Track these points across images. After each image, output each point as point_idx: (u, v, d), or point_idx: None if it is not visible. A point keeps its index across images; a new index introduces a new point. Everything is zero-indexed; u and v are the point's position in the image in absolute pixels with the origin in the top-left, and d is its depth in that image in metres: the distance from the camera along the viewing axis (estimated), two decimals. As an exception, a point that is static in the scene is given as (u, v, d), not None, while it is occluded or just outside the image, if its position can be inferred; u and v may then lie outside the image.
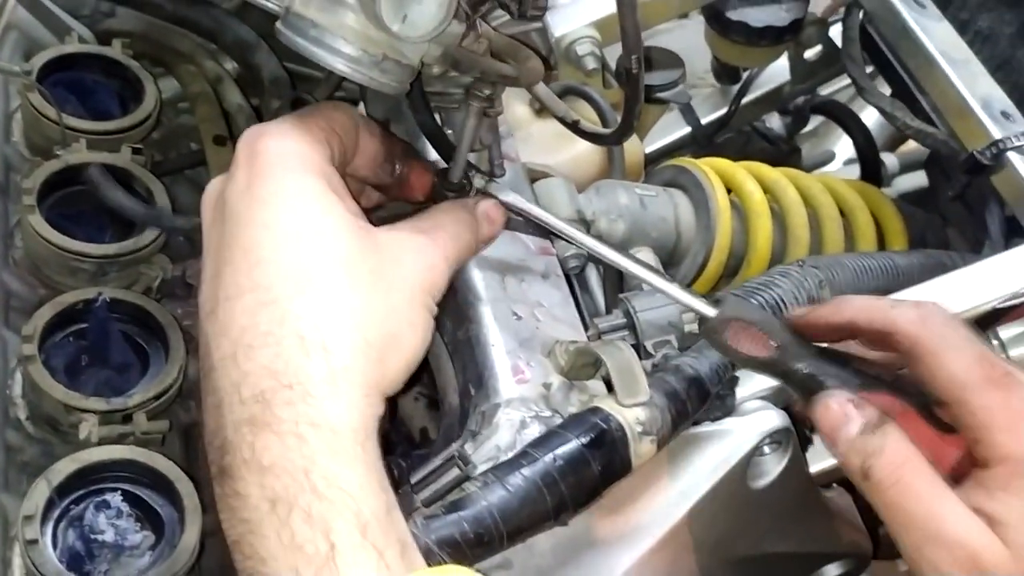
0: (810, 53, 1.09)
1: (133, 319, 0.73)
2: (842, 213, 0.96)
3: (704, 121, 1.17)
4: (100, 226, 0.80)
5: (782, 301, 0.73)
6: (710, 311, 0.63)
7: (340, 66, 0.55)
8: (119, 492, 0.63)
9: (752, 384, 0.74)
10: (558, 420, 0.65)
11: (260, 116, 0.94)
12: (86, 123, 0.81)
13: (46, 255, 0.74)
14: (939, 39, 0.86)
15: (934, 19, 0.88)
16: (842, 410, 0.56)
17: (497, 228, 0.66)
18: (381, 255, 0.55)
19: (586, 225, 0.85)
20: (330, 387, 0.50)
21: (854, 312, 0.57)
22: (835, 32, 1.06)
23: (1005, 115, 0.81)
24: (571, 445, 0.59)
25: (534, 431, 0.64)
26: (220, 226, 0.54)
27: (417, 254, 0.57)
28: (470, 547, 0.55)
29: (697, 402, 0.67)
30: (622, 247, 0.83)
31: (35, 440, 0.69)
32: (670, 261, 0.91)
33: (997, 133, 0.83)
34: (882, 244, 0.97)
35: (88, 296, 0.71)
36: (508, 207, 0.69)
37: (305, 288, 0.52)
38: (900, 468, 0.52)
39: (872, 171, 1.18)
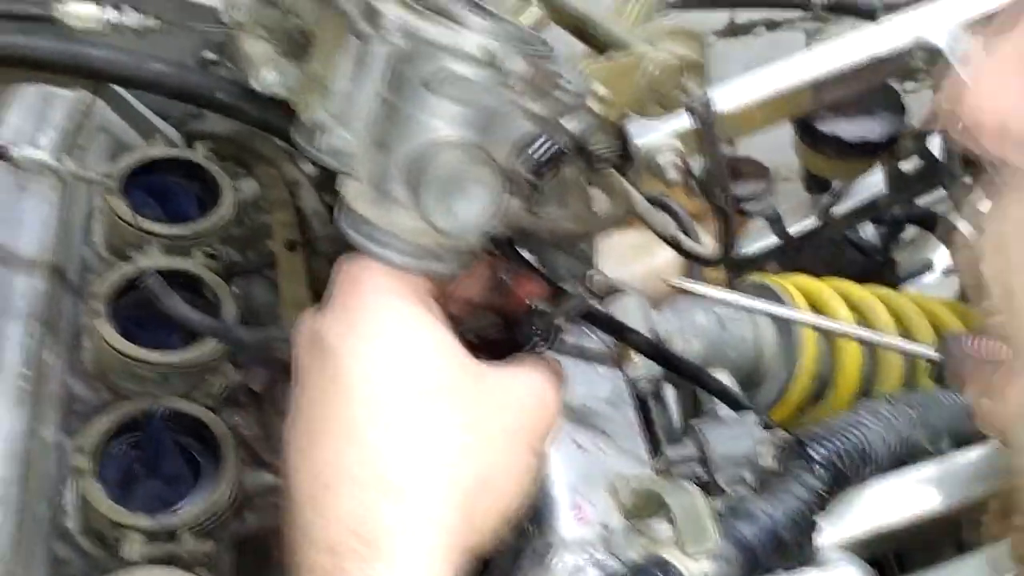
0: (908, 164, 1.04)
1: (190, 430, 0.72)
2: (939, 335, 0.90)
3: (792, 231, 1.12)
4: (169, 330, 0.80)
5: (869, 444, 0.67)
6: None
7: (395, 260, 0.53)
8: (157, 617, 0.61)
9: (834, 532, 0.69)
10: (616, 566, 0.60)
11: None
12: (161, 227, 0.82)
13: (111, 360, 0.74)
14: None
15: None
16: None
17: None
18: (485, 392, 0.51)
19: (660, 344, 0.81)
20: (407, 540, 0.46)
21: None
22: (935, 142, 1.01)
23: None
24: (629, 601, 0.55)
25: (590, 578, 0.59)
26: (316, 361, 0.52)
27: (529, 391, 0.53)
28: None
29: (772, 553, 0.62)
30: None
31: (84, 553, 0.68)
32: (749, 383, 0.86)
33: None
34: (984, 373, 0.90)
35: (145, 407, 0.71)
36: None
37: (397, 426, 0.49)
38: None
39: (974, 288, 1.11)
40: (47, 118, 0.86)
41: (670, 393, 0.89)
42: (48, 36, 0.84)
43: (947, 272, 1.32)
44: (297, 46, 0.71)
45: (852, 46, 0.92)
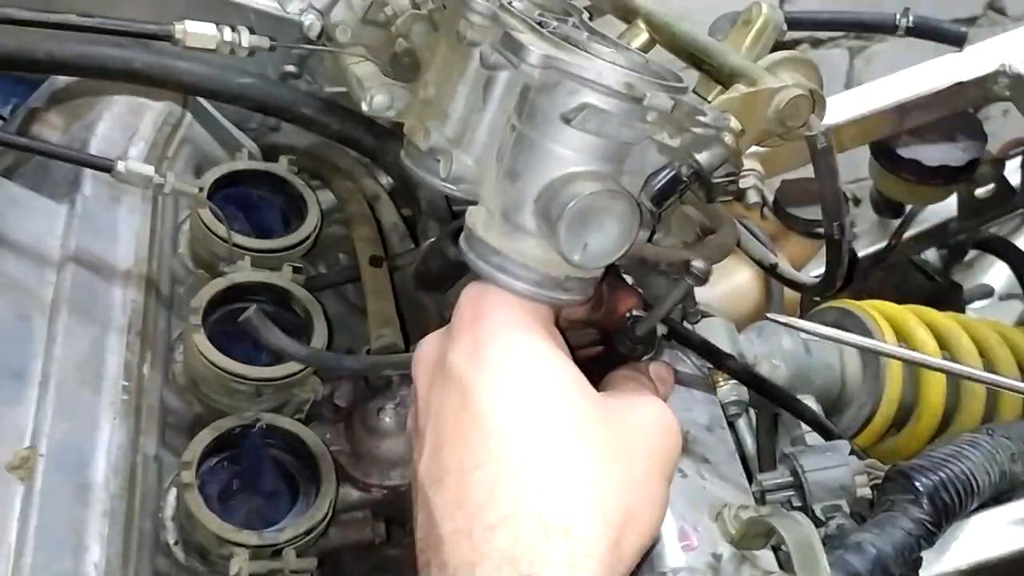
0: (981, 190, 1.04)
1: (287, 446, 0.72)
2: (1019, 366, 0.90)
3: (861, 254, 1.12)
4: (258, 343, 0.80)
5: (973, 476, 0.67)
6: None
7: (523, 291, 0.53)
8: (265, 635, 0.61)
9: (937, 565, 0.68)
10: (728, 596, 0.60)
11: (413, 229, 0.95)
12: (252, 241, 0.82)
13: (207, 374, 0.74)
14: None
15: None
16: None
17: (669, 389, 0.62)
18: (617, 422, 0.51)
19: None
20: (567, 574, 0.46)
21: None
22: (1010, 169, 1.01)
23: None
24: (750, 634, 0.55)
25: (703, 608, 0.59)
26: (442, 392, 0.52)
27: (653, 419, 0.53)
28: None
29: (880, 586, 0.62)
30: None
31: (183, 568, 0.68)
32: (833, 410, 0.86)
33: None
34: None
35: (246, 422, 0.71)
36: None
37: (544, 461, 0.49)
38: None
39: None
40: (136, 130, 0.87)
41: (742, 419, 0.89)
42: (140, 49, 0.85)
43: (1004, 297, 1.32)
44: (403, 68, 0.72)
45: (936, 72, 0.92)
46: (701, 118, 0.53)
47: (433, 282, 0.81)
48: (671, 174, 0.54)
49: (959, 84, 0.91)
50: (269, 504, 0.70)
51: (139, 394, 0.72)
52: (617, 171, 0.52)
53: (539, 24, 0.55)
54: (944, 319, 0.89)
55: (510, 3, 0.56)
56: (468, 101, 0.57)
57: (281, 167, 0.90)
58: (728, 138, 0.54)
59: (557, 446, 0.49)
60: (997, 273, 1.34)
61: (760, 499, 0.72)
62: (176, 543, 0.69)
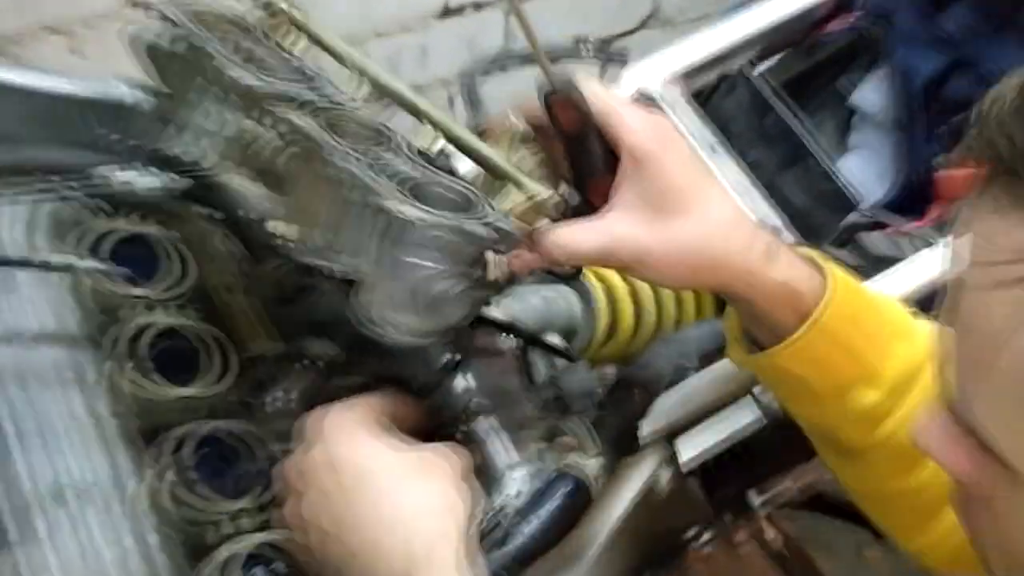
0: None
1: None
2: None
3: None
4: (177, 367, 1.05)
5: (660, 371, 1.14)
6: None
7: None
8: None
9: (647, 427, 1.14)
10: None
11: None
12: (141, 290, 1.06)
13: (157, 404, 1.00)
14: (731, 175, 1.29)
15: (726, 159, 1.31)
16: None
17: None
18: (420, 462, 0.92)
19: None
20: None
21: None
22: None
23: (777, 230, 1.25)
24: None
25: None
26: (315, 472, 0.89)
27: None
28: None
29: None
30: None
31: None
32: (568, 339, 1.29)
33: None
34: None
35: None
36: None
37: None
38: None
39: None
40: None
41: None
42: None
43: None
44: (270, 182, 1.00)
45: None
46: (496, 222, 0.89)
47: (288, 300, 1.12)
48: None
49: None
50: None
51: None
52: (453, 264, 0.87)
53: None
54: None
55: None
56: (342, 223, 0.89)
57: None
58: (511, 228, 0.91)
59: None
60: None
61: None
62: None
